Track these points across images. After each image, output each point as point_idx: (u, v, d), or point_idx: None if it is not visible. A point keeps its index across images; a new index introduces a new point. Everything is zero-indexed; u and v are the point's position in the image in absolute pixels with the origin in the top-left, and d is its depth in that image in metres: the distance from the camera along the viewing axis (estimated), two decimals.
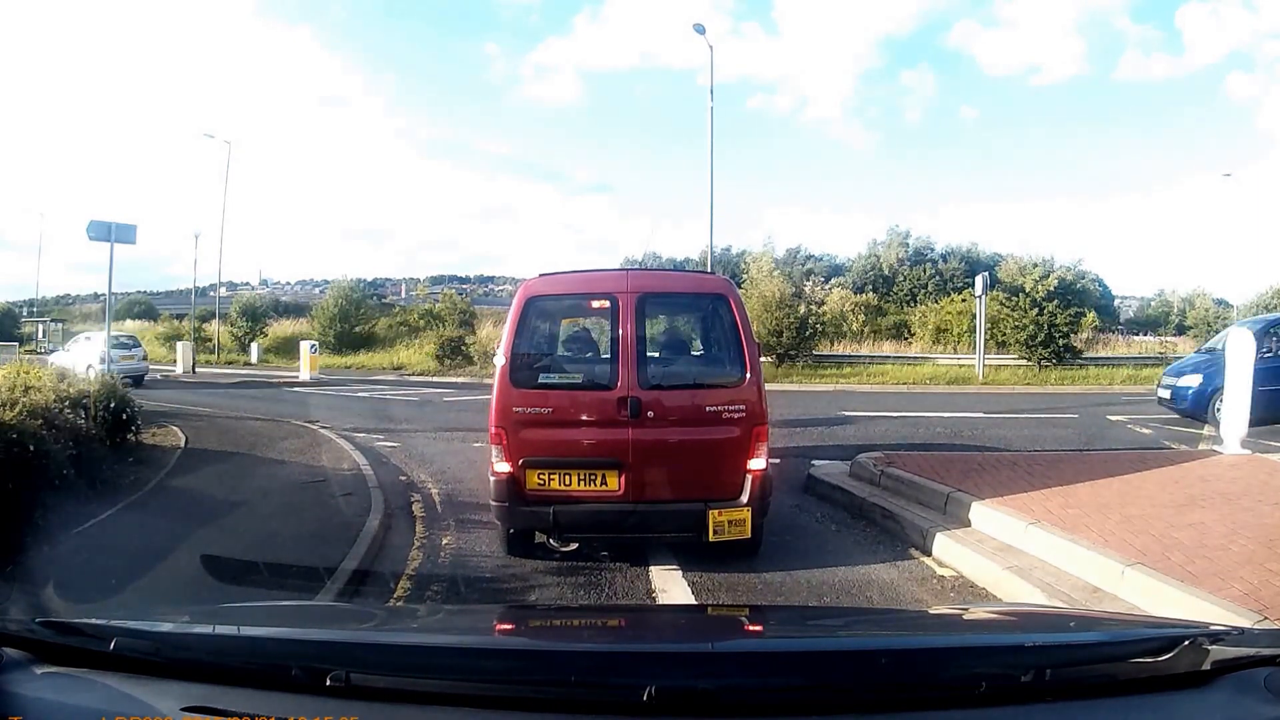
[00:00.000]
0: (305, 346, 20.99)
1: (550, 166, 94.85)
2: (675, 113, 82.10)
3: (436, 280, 50.87)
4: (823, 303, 25.79)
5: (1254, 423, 7.88)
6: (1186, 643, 1.36)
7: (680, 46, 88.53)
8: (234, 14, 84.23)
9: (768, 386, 4.89)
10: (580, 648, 1.71)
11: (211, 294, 34.75)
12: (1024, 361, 22.29)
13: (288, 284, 60.33)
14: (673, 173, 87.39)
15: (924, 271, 34.30)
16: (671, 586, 4.41)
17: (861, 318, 28.21)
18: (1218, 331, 26.40)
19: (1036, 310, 21.98)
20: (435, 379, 21.47)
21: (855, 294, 31.01)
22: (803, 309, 22.59)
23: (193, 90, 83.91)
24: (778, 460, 6.67)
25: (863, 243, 40.51)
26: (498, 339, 5.48)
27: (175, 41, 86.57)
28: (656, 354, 5.08)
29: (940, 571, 4.76)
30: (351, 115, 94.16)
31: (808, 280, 30.11)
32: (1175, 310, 36.37)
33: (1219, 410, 8.96)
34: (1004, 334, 22.57)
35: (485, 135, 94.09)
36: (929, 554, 5.02)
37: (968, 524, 5.29)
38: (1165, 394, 11.76)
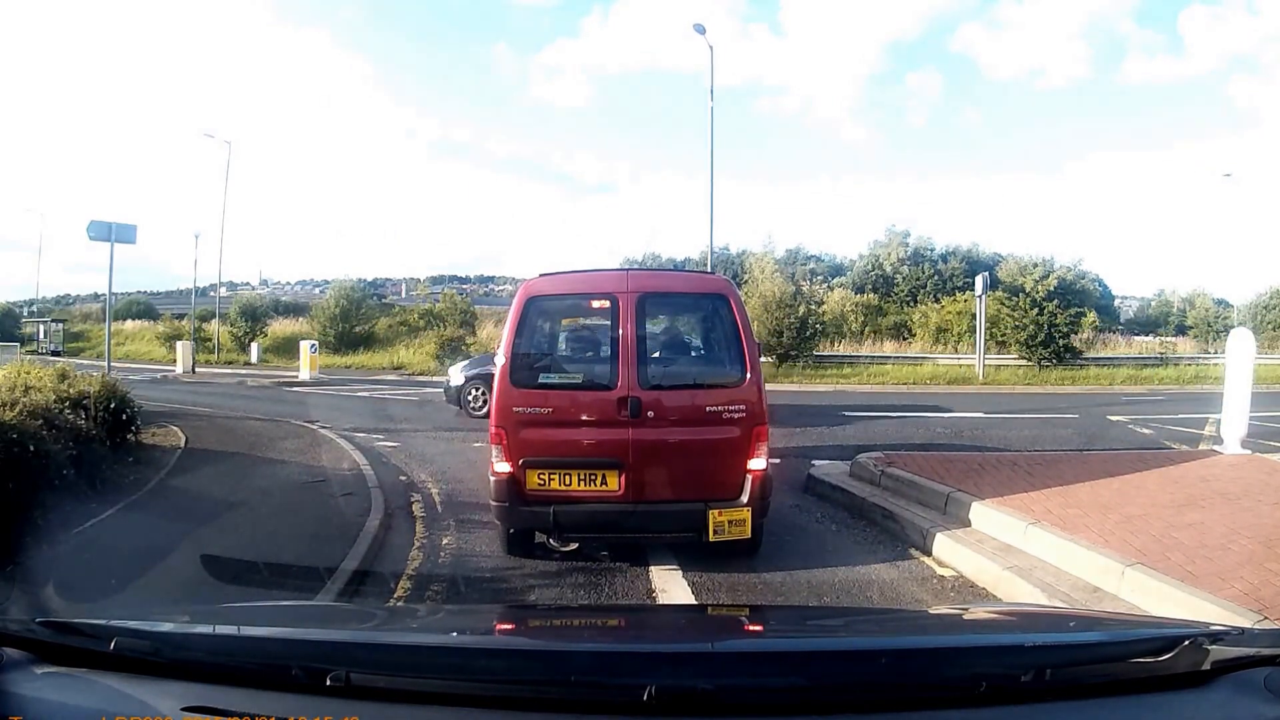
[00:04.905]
0: (305, 346, 20.92)
1: (554, 167, 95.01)
2: (681, 114, 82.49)
3: (437, 280, 50.90)
4: (823, 303, 25.77)
5: None
6: (1186, 643, 1.36)
7: (687, 49, 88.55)
8: (236, 13, 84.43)
9: (768, 386, 4.88)
10: (580, 648, 1.70)
11: (211, 294, 34.70)
12: (1024, 361, 22.31)
13: (288, 284, 60.33)
14: (676, 173, 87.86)
15: (924, 271, 34.23)
16: (671, 586, 4.40)
17: (861, 318, 28.24)
18: (1218, 332, 26.52)
19: (1036, 310, 22.01)
20: (436, 379, 21.41)
21: (855, 294, 31.03)
22: (803, 309, 22.58)
23: (193, 90, 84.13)
24: (778, 460, 6.67)
25: (863, 243, 40.49)
26: (498, 339, 5.48)
27: (176, 41, 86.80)
28: (657, 354, 5.07)
29: (940, 571, 4.76)
30: (355, 115, 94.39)
31: (808, 280, 30.10)
32: (1175, 310, 36.39)
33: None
34: (1004, 334, 22.60)
35: (490, 135, 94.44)
36: (929, 554, 5.02)
37: (968, 524, 5.29)
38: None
